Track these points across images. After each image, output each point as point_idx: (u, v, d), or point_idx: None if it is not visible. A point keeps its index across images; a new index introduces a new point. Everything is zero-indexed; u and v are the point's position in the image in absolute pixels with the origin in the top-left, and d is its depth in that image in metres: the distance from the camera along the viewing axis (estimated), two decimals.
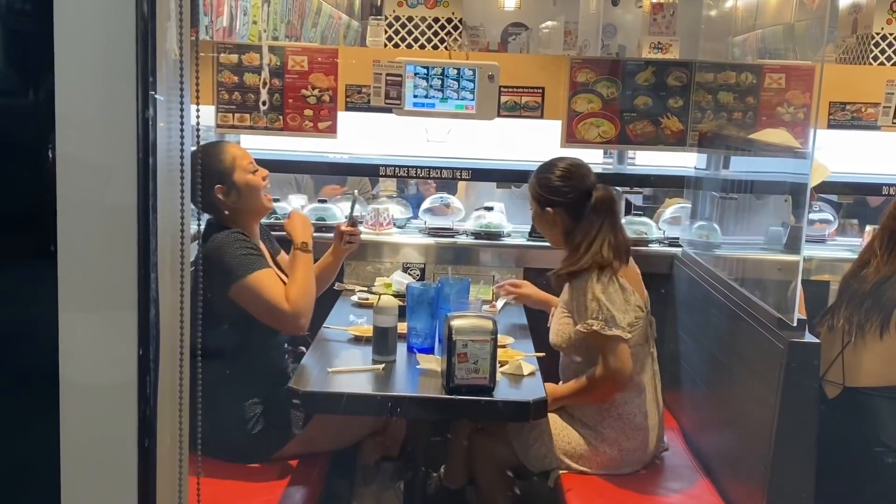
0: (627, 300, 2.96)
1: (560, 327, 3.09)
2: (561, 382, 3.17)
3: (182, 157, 1.34)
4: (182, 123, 1.32)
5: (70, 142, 1.24)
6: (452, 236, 3.96)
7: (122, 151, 1.23)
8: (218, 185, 2.97)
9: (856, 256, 3.19)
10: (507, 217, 4.12)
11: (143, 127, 1.21)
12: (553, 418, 3.06)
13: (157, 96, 1.22)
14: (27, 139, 1.29)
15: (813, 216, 4.02)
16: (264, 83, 3.52)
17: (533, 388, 2.81)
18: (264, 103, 3.55)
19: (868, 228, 3.95)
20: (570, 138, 3.84)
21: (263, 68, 3.66)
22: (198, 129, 1.38)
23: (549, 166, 3.14)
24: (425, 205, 4.11)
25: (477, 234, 3.93)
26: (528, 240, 3.95)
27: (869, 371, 2.86)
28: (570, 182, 3.08)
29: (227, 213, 2.99)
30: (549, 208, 3.10)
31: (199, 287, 1.45)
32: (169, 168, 1.30)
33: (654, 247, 3.89)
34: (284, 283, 2.98)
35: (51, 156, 1.24)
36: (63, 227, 1.24)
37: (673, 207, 4.07)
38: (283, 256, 3.26)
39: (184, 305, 1.36)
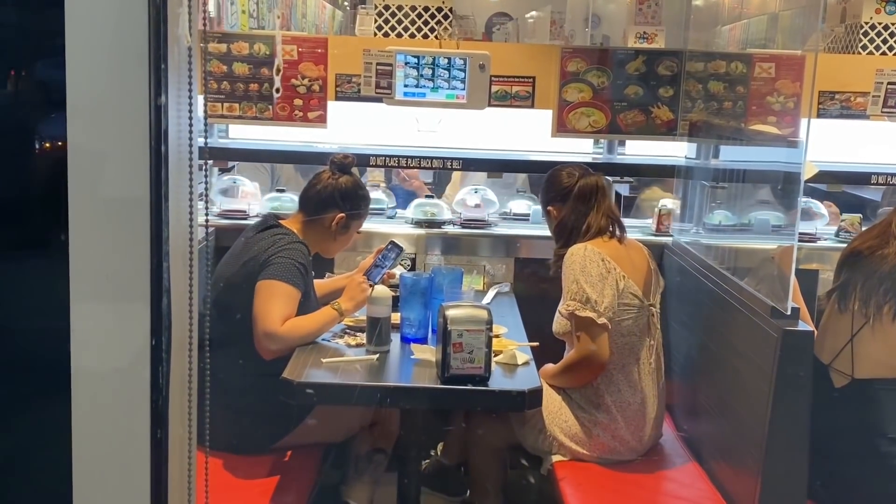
0: (608, 282, 2.99)
1: (557, 315, 3.12)
2: None
3: (191, 146, 1.32)
4: (191, 111, 1.30)
5: (81, 130, 1.22)
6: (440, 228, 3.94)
7: (133, 139, 1.21)
8: (342, 216, 3.19)
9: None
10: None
11: (155, 114, 1.19)
12: (551, 397, 3.08)
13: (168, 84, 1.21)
14: (37, 128, 1.27)
15: None
16: (277, 70, 3.51)
17: (527, 378, 2.82)
18: (278, 90, 3.54)
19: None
20: (561, 128, 3.84)
21: (277, 55, 3.63)
22: (205, 118, 1.36)
23: (547, 174, 3.35)
24: None
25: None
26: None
27: (878, 362, 2.81)
28: (556, 181, 3.27)
29: (316, 229, 3.20)
30: (547, 208, 3.30)
31: (207, 278, 1.44)
32: (179, 156, 1.28)
33: (637, 235, 3.87)
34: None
35: (61, 144, 1.22)
36: (74, 216, 1.22)
37: (465, 189, 4.12)
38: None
39: (193, 295, 1.35)
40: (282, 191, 3.99)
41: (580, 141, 4.04)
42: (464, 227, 3.93)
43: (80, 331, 1.26)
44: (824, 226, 4.00)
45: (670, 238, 3.87)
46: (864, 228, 3.88)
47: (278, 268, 2.96)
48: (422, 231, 3.87)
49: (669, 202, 4.07)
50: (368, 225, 3.56)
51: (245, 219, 3.86)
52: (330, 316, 3.02)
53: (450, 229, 3.92)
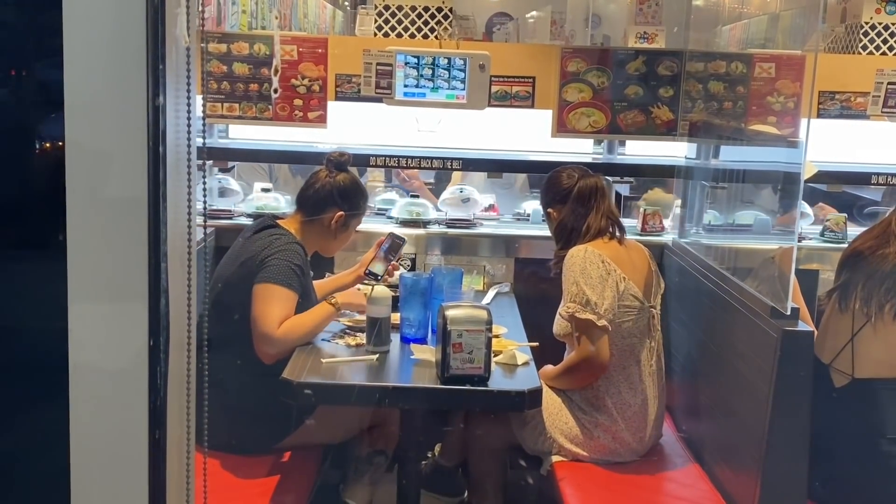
0: (608, 283, 3.00)
1: (557, 317, 3.11)
2: None
3: (189, 146, 1.32)
4: (189, 112, 1.30)
5: (79, 130, 1.22)
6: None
7: (132, 139, 1.21)
8: (342, 214, 3.19)
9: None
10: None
11: (153, 115, 1.19)
12: (551, 399, 3.08)
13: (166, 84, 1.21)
14: (35, 128, 1.27)
15: None
16: (276, 70, 3.52)
17: (527, 378, 2.82)
18: (276, 90, 3.54)
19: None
20: (561, 128, 3.83)
21: (275, 55, 3.64)
22: (204, 119, 1.36)
23: (547, 176, 3.35)
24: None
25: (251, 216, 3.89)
26: None
27: (879, 361, 2.80)
28: (555, 182, 3.27)
29: (315, 228, 3.20)
30: (548, 210, 3.30)
31: (206, 278, 1.44)
32: (177, 157, 1.28)
33: (632, 236, 3.86)
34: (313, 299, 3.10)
35: (60, 144, 1.22)
36: (73, 217, 1.22)
37: (452, 188, 4.12)
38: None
39: (191, 296, 1.35)
40: (267, 190, 4.00)
41: (580, 141, 4.04)
42: (449, 227, 3.93)
43: (78, 331, 1.26)
44: (809, 225, 4.02)
45: (670, 238, 3.87)
46: (848, 228, 3.91)
47: (274, 270, 2.95)
48: (422, 231, 3.87)
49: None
50: (366, 224, 3.57)
51: (230, 218, 3.88)
52: (326, 311, 3.02)
53: (447, 229, 3.91)
